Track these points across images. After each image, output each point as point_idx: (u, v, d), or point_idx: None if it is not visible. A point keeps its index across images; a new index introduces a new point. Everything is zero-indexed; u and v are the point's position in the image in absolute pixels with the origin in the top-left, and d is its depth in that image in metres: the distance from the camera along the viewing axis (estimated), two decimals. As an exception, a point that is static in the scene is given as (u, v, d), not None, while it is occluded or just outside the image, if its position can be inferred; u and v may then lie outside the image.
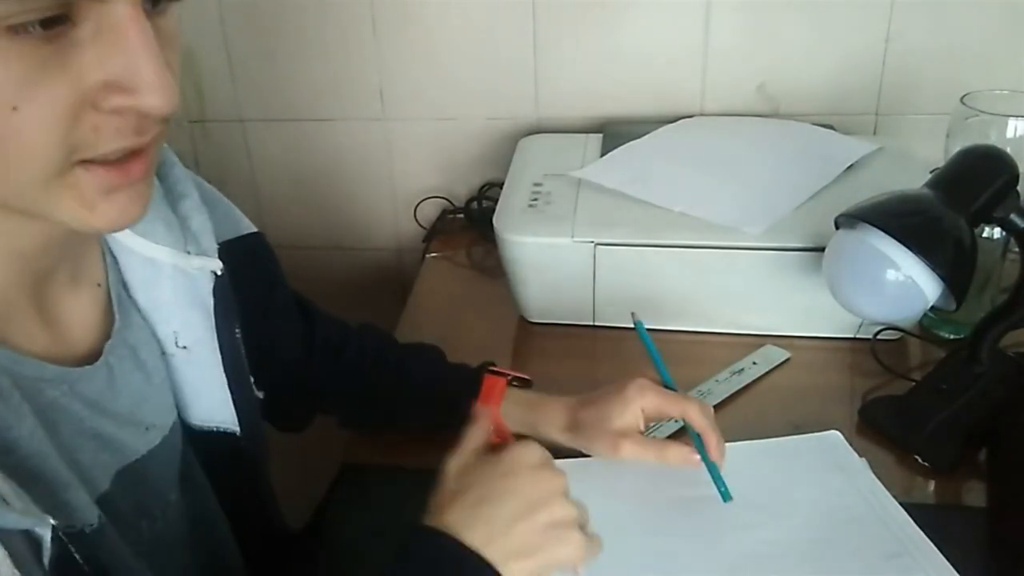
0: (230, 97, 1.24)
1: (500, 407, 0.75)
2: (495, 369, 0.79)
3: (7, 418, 0.44)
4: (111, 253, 0.58)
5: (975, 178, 0.72)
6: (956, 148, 0.75)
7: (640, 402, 0.71)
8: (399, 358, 0.81)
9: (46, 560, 0.42)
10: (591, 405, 0.73)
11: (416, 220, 1.27)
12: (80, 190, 0.44)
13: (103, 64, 0.41)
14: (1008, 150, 0.74)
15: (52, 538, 0.42)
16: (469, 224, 1.20)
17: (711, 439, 0.69)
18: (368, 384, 0.80)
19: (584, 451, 0.73)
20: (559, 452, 0.75)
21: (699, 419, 0.69)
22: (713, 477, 0.69)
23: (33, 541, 0.43)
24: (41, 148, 0.41)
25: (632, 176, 0.95)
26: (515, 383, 0.78)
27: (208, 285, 0.61)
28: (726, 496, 0.68)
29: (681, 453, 0.70)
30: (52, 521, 0.42)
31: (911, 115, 1.12)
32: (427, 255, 1.16)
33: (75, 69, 0.40)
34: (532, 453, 0.56)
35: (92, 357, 0.54)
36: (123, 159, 0.44)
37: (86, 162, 0.43)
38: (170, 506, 0.60)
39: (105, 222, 0.46)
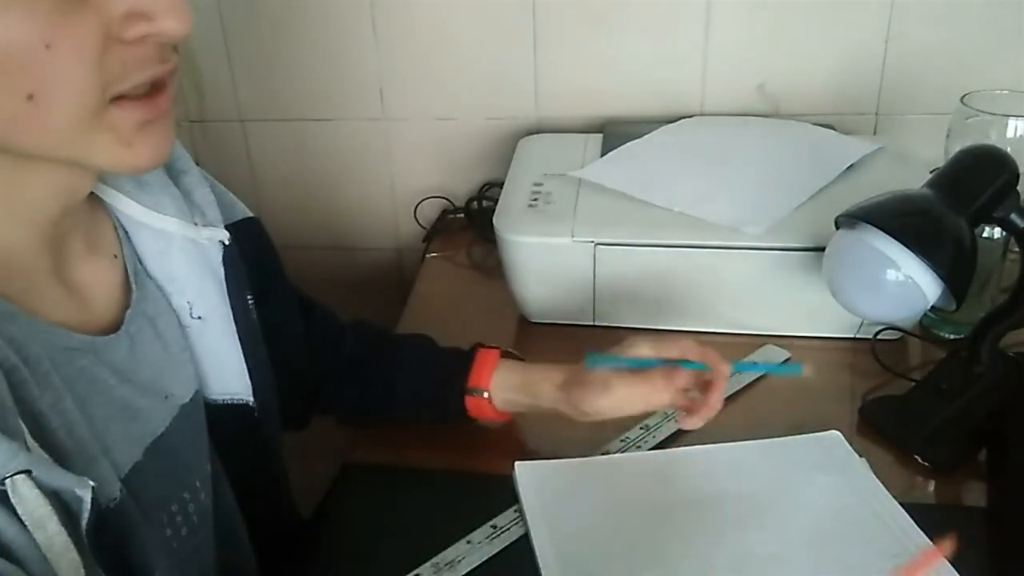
0: (230, 97, 1.24)
1: (494, 375, 0.75)
2: (487, 347, 0.79)
3: (36, 388, 0.44)
4: (123, 228, 0.59)
5: (975, 178, 0.72)
6: (956, 148, 0.75)
7: (634, 351, 0.70)
8: (392, 347, 0.81)
9: (84, 522, 0.43)
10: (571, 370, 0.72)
11: (416, 220, 1.27)
12: (117, 129, 0.46)
13: None
14: (1008, 150, 0.74)
15: (92, 500, 0.43)
16: (469, 224, 1.20)
17: (716, 362, 0.68)
18: (365, 375, 0.80)
19: (575, 408, 0.71)
20: (563, 452, 0.75)
21: (698, 351, 0.68)
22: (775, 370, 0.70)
23: (67, 510, 0.43)
24: (77, 85, 0.43)
25: (632, 176, 0.95)
26: (505, 355, 0.79)
27: (217, 255, 0.62)
28: (798, 368, 0.69)
29: (663, 375, 0.69)
30: (91, 483, 0.43)
31: (911, 115, 1.12)
32: (427, 255, 1.16)
33: (97, 2, 0.42)
34: None
35: (113, 327, 0.55)
36: (150, 93, 0.46)
37: (118, 99, 0.45)
38: (208, 478, 0.61)
39: (144, 159, 0.48)
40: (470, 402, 0.76)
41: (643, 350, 0.70)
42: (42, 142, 0.45)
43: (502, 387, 0.75)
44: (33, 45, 0.41)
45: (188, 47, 1.21)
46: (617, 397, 0.69)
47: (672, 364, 0.69)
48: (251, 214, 0.72)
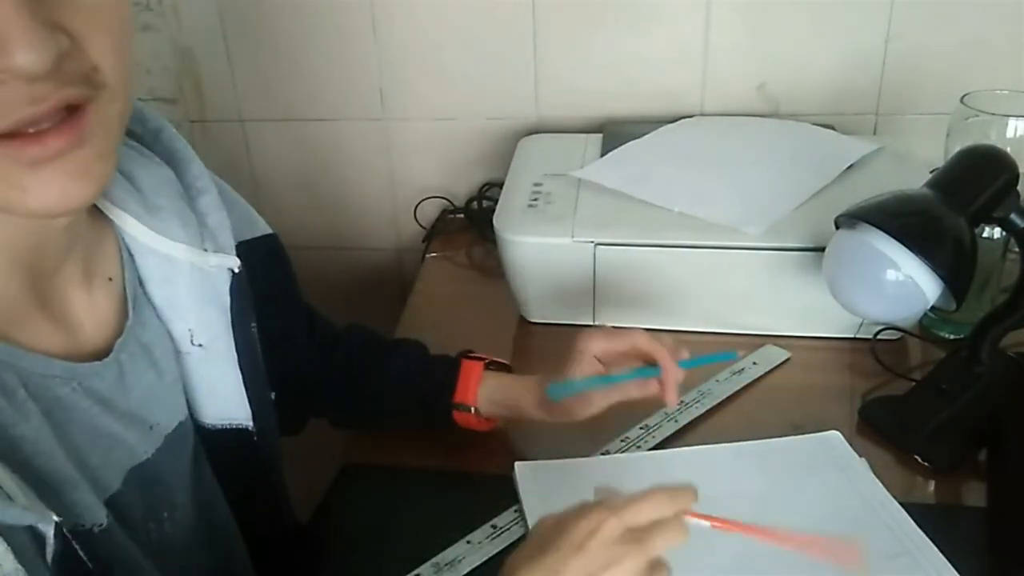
0: (230, 97, 1.24)
1: (479, 389, 0.76)
2: (473, 355, 0.79)
3: (11, 415, 0.44)
4: (127, 250, 0.58)
5: (975, 178, 0.72)
6: (956, 148, 0.75)
7: (591, 349, 0.71)
8: (381, 355, 0.80)
9: (49, 556, 0.43)
10: (554, 375, 0.73)
11: (416, 220, 1.27)
12: (5, 173, 0.41)
13: None
14: (1008, 150, 0.73)
15: (55, 535, 0.42)
16: (469, 224, 1.20)
17: (665, 362, 0.69)
18: (354, 384, 0.80)
19: (563, 421, 0.73)
20: (563, 452, 0.75)
21: (647, 344, 0.69)
22: (703, 361, 0.71)
23: (37, 538, 0.43)
24: None
25: (632, 176, 0.95)
26: (491, 367, 0.78)
27: (225, 283, 0.61)
28: (729, 355, 0.72)
29: (640, 386, 0.70)
30: (56, 518, 0.42)
31: (911, 115, 1.12)
32: (427, 255, 1.16)
33: None
34: (608, 527, 0.50)
35: (104, 354, 0.54)
36: (45, 131, 0.40)
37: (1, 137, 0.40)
38: (177, 509, 0.60)
39: (43, 203, 0.42)
40: (457, 415, 0.77)
41: (596, 344, 0.71)
42: None
43: (487, 401, 0.76)
44: None
45: (188, 47, 1.21)
46: (597, 405, 0.71)
47: (634, 375, 0.71)
48: (271, 230, 0.71)
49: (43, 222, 0.48)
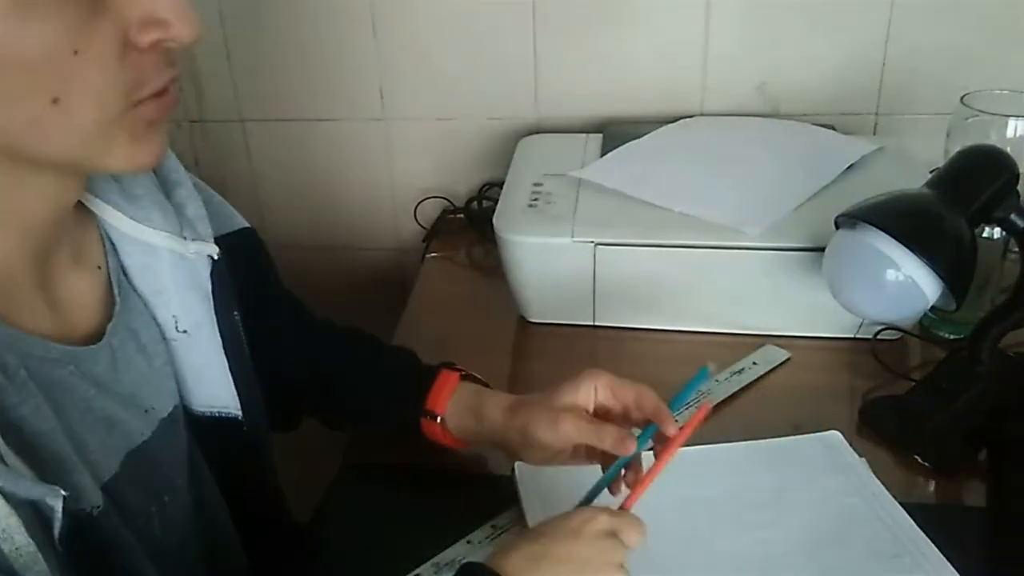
0: (230, 97, 1.24)
1: (450, 399, 0.73)
2: (455, 368, 0.76)
3: (13, 396, 0.45)
4: (109, 239, 0.59)
5: (975, 178, 0.72)
6: (956, 148, 0.75)
7: (593, 381, 0.66)
8: (368, 359, 0.79)
9: (56, 531, 0.43)
10: (539, 391, 0.69)
11: (416, 220, 1.27)
12: (132, 128, 0.47)
13: (137, 2, 0.44)
14: (1008, 150, 0.74)
15: (63, 509, 0.43)
16: (469, 224, 1.20)
17: (666, 421, 0.63)
18: (338, 382, 0.78)
19: (523, 434, 0.67)
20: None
21: (651, 401, 0.64)
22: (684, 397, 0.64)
23: (41, 517, 0.43)
24: (99, 90, 0.45)
25: (632, 176, 0.95)
26: (469, 379, 0.76)
27: (206, 270, 0.62)
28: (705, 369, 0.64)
29: (616, 435, 0.63)
30: (63, 492, 0.43)
31: (911, 115, 1.12)
32: (427, 255, 1.16)
33: (115, 9, 0.44)
34: (600, 520, 0.56)
35: (94, 339, 0.55)
36: (158, 93, 0.48)
37: (139, 102, 0.47)
38: (177, 491, 0.61)
39: (149, 157, 0.49)
40: (425, 425, 0.74)
41: (601, 380, 0.67)
42: (62, 145, 0.46)
43: (455, 411, 0.72)
44: (63, 51, 0.42)
45: (188, 47, 1.21)
46: (563, 433, 0.65)
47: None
48: (247, 224, 0.71)
49: (62, 201, 0.52)
